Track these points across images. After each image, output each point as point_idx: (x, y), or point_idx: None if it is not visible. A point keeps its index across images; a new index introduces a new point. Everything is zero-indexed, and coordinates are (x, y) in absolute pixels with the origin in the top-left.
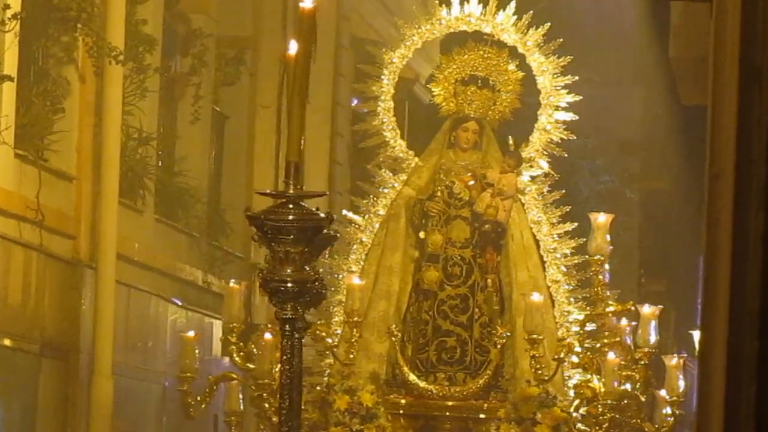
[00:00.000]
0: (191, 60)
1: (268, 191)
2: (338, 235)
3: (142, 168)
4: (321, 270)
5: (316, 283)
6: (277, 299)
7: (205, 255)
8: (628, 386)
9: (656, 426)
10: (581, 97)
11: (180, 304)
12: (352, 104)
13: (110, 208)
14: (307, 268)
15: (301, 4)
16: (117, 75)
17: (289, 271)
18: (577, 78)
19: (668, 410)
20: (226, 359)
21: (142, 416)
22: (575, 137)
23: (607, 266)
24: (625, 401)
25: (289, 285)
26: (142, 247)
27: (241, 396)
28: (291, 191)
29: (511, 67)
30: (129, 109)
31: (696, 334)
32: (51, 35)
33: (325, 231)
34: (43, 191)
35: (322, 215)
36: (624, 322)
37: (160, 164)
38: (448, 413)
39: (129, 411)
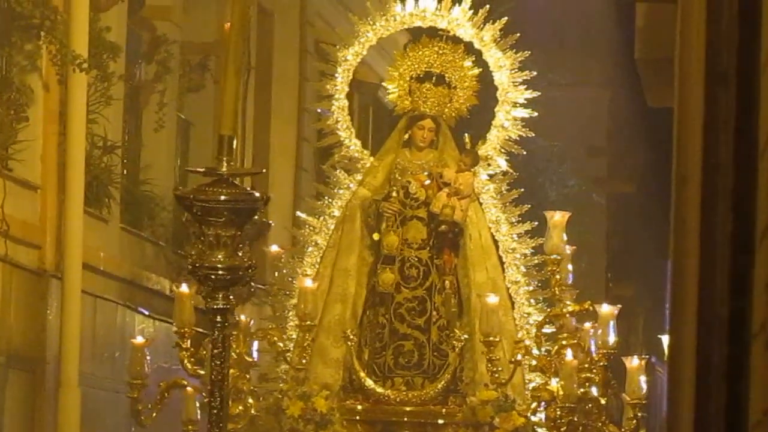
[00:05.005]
0: (155, 67)
1: (197, 169)
2: (272, 224)
3: (107, 177)
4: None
5: (250, 271)
6: (208, 288)
7: (172, 263)
8: (594, 390)
9: (622, 429)
10: (539, 93)
11: (147, 313)
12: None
13: (76, 217)
14: (240, 254)
15: None
16: (81, 83)
17: (220, 256)
18: (535, 73)
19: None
20: None
21: (109, 427)
22: (533, 134)
23: (570, 266)
24: (590, 405)
25: (221, 272)
26: (108, 256)
27: (198, 404)
28: (224, 168)
29: (468, 63)
30: (93, 117)
31: (665, 339)
32: (14, 44)
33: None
34: (8, 201)
35: (257, 195)
36: (587, 325)
37: (125, 172)
38: (406, 419)
39: (96, 421)
